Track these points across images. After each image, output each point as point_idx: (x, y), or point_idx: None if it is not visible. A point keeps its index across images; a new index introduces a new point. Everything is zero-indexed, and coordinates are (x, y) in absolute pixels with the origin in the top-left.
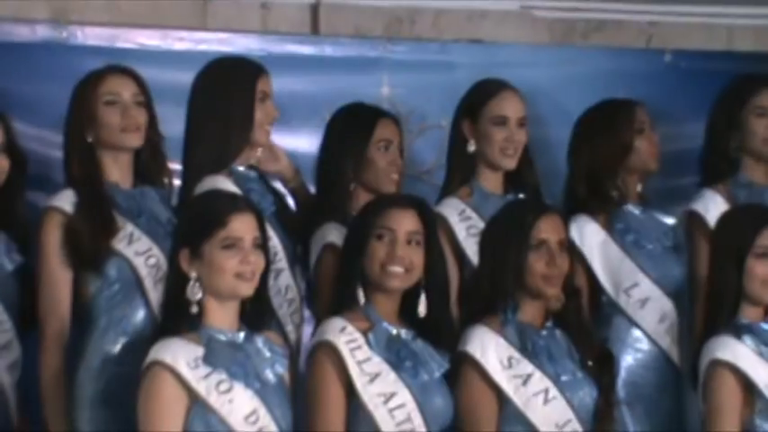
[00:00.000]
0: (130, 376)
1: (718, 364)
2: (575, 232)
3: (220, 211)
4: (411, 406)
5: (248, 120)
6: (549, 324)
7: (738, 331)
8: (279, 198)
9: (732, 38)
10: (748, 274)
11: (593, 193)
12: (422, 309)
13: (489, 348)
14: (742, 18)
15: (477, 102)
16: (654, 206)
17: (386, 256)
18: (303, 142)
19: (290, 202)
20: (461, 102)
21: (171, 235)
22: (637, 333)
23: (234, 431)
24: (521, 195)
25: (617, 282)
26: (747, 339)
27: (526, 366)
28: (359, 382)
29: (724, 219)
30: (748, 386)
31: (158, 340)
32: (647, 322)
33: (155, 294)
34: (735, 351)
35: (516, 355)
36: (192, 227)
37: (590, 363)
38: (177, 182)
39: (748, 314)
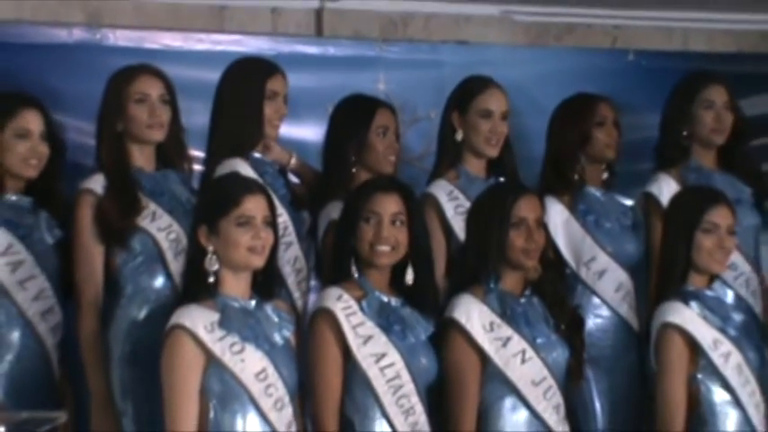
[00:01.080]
0: (154, 339)
1: (668, 326)
2: None
3: (235, 192)
4: (400, 365)
5: (258, 115)
6: (527, 292)
7: (686, 297)
8: (289, 180)
9: (688, 40)
10: (696, 247)
11: (557, 176)
12: (409, 278)
13: (473, 315)
14: (697, 22)
15: (465, 96)
16: (615, 189)
17: (373, 236)
18: (308, 132)
19: (296, 180)
20: (451, 96)
21: (190, 213)
22: (596, 301)
23: (245, 387)
24: (502, 179)
25: (578, 256)
26: (694, 304)
27: (506, 330)
28: (354, 343)
29: (676, 198)
30: (694, 346)
31: (179, 306)
32: (604, 291)
33: (175, 266)
34: (683, 315)
35: (497, 320)
36: (210, 206)
37: (563, 327)
38: (198, 167)
39: (695, 282)
